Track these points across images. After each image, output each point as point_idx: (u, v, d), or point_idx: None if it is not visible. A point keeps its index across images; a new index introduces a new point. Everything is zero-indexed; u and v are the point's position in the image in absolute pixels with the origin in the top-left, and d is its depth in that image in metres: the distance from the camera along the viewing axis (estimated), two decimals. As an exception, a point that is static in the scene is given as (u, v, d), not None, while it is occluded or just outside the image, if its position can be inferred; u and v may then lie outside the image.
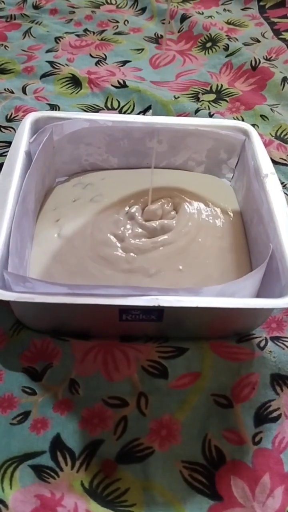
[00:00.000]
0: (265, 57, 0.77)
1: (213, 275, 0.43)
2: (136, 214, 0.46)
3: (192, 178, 0.53)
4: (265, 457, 0.35)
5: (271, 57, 0.78)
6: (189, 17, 0.83)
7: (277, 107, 0.67)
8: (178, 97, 0.67)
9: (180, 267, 0.43)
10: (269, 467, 0.35)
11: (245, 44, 0.79)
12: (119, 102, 0.66)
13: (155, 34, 0.82)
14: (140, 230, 0.45)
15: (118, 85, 0.68)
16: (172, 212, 0.48)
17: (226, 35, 0.79)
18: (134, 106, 0.66)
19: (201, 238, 0.45)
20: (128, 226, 0.46)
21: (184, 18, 0.83)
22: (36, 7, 0.87)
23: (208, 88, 0.70)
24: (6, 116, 0.63)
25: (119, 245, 0.44)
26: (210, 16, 0.87)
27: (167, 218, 0.47)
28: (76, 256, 0.43)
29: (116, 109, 0.66)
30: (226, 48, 0.77)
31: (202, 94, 0.69)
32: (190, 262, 0.43)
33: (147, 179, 0.50)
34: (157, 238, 0.45)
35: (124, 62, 0.75)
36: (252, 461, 0.35)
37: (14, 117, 0.62)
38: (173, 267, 0.43)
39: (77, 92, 0.68)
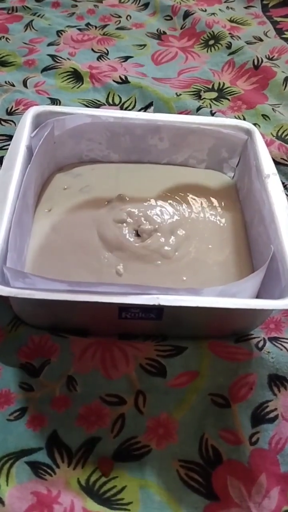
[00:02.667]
0: (267, 56, 0.77)
1: (215, 279, 0.43)
2: (134, 218, 0.46)
3: (193, 174, 0.53)
4: (262, 457, 0.36)
5: (274, 56, 0.78)
6: (192, 13, 0.83)
7: (278, 107, 0.67)
8: (180, 94, 0.66)
9: (184, 278, 0.42)
10: (265, 467, 0.35)
11: (248, 43, 0.79)
12: (120, 98, 0.66)
13: (157, 30, 0.82)
14: (134, 237, 0.45)
15: (119, 80, 0.67)
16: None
17: (229, 33, 0.79)
18: (135, 102, 0.65)
19: (204, 243, 0.45)
20: (122, 231, 0.45)
21: (187, 14, 0.83)
22: (38, -1, 0.86)
23: (210, 86, 0.70)
24: (7, 109, 0.62)
25: (106, 254, 0.43)
26: (213, 14, 0.87)
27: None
28: (64, 257, 0.43)
29: (117, 105, 0.65)
30: (229, 46, 0.76)
31: (204, 92, 0.69)
32: (193, 272, 0.43)
33: (139, 174, 0.50)
34: (157, 247, 0.44)
35: (126, 58, 0.75)
36: (248, 461, 0.35)
37: (15, 110, 0.62)
38: (176, 279, 0.42)
39: (79, 87, 0.67)
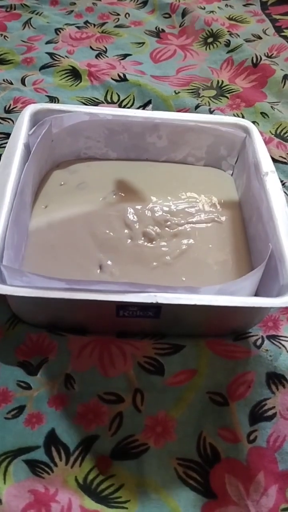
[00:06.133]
0: (266, 54, 0.77)
1: (215, 279, 0.42)
2: (129, 216, 0.46)
3: (192, 171, 0.53)
4: (260, 455, 0.35)
5: (272, 54, 0.77)
6: (191, 11, 0.82)
7: (277, 104, 0.67)
8: (179, 92, 0.66)
9: (183, 279, 0.42)
10: (263, 465, 0.35)
11: (247, 41, 0.78)
12: (119, 96, 0.66)
13: (156, 28, 0.81)
14: (134, 236, 0.45)
15: (118, 78, 0.67)
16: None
17: (228, 31, 0.79)
18: (134, 100, 0.65)
19: (204, 243, 0.45)
20: (120, 230, 0.45)
21: (185, 12, 0.82)
22: (36, -3, 0.86)
23: (209, 84, 0.70)
24: (5, 107, 0.62)
25: (99, 255, 0.43)
26: (212, 11, 0.87)
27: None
28: (58, 256, 0.43)
29: (115, 103, 0.65)
30: (228, 44, 0.76)
31: (203, 89, 0.69)
32: (193, 273, 0.43)
33: (137, 171, 0.50)
34: (157, 244, 0.44)
35: (125, 56, 0.75)
36: (246, 459, 0.35)
37: (13, 108, 0.62)
38: (176, 280, 0.42)
39: (77, 85, 0.67)
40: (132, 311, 0.37)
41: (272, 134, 0.62)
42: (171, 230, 0.45)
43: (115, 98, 0.66)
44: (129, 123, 0.50)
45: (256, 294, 0.40)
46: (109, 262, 0.42)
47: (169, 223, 0.46)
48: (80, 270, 0.42)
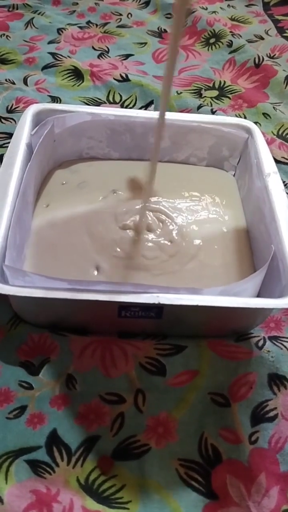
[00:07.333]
0: (268, 54, 0.77)
1: (218, 281, 0.42)
2: (128, 216, 0.46)
3: (194, 171, 0.53)
4: (261, 456, 0.35)
5: (275, 55, 0.77)
6: (193, 12, 0.82)
7: (279, 105, 0.67)
8: (181, 92, 0.66)
9: (186, 281, 0.42)
10: (265, 466, 0.35)
11: (249, 41, 0.78)
12: (121, 96, 0.66)
13: (158, 28, 0.81)
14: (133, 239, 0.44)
15: (120, 78, 0.67)
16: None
17: (230, 32, 0.79)
18: (136, 100, 0.65)
19: (210, 244, 0.45)
20: (117, 230, 0.44)
21: (188, 13, 0.82)
22: (39, -3, 0.86)
23: (211, 85, 0.70)
24: (7, 107, 0.62)
25: (96, 258, 0.43)
26: (214, 12, 0.87)
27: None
28: (58, 256, 0.43)
29: (118, 103, 0.65)
30: (230, 44, 0.76)
31: (205, 90, 0.69)
32: (197, 276, 0.42)
33: (139, 171, 0.50)
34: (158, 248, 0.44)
35: (127, 56, 0.75)
36: (248, 460, 0.35)
37: (15, 108, 0.62)
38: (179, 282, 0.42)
39: (79, 85, 0.67)
40: (134, 312, 0.37)
41: (274, 135, 0.62)
42: (172, 232, 0.45)
43: (117, 98, 0.66)
44: (131, 123, 0.50)
45: (258, 295, 0.40)
46: (105, 264, 0.42)
47: (170, 222, 0.46)
48: (78, 270, 0.42)
